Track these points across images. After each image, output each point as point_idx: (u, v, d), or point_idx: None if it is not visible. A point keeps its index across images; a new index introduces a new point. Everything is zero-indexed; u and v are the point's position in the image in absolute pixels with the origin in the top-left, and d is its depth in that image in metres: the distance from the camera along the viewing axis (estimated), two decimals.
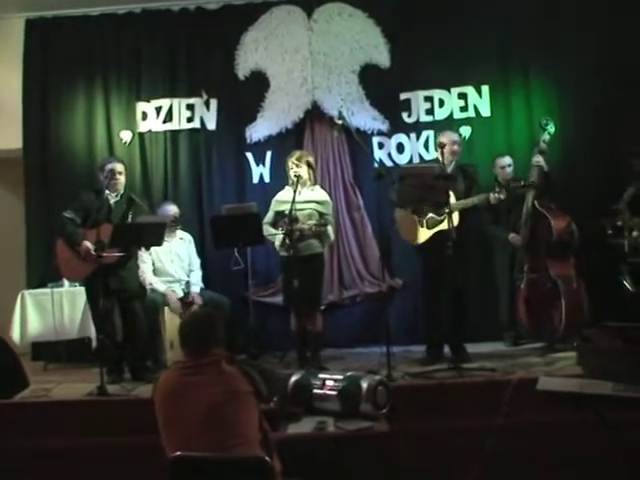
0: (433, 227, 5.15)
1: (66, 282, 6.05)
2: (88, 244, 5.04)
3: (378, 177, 4.89)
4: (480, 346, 5.64)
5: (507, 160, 5.88)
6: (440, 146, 5.13)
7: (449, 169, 5.24)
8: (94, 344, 5.69)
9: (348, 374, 3.88)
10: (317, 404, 3.82)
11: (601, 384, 3.27)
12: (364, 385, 3.71)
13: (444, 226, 4.98)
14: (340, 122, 5.32)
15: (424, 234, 5.20)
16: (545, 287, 5.30)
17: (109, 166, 5.30)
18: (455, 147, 5.32)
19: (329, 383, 3.82)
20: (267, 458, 2.75)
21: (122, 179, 5.35)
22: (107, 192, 5.30)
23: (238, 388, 2.93)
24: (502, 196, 4.94)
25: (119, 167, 5.34)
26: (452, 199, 4.91)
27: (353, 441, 3.57)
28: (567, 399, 3.33)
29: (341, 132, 5.50)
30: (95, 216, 5.17)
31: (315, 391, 3.84)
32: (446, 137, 5.36)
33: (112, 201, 5.31)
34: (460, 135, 5.77)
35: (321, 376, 3.90)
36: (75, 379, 5.35)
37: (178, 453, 2.76)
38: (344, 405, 3.73)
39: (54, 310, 5.90)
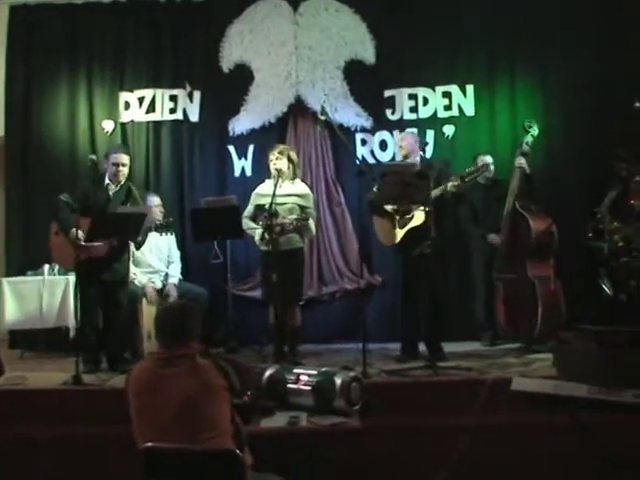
0: (404, 226, 5.16)
1: (46, 271, 6.01)
2: (78, 233, 4.90)
3: (359, 174, 4.91)
4: (457, 345, 5.65)
5: (488, 159, 5.89)
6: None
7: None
8: (72, 333, 5.65)
9: (322, 369, 3.89)
10: (291, 399, 3.82)
11: (576, 386, 3.26)
12: (338, 381, 3.71)
13: (416, 222, 5.00)
14: (323, 117, 5.30)
15: (399, 234, 5.22)
16: (523, 287, 5.32)
17: (113, 156, 5.22)
18: (400, 143, 5.33)
19: (303, 378, 3.82)
20: (238, 451, 2.75)
21: (125, 170, 5.25)
22: (108, 182, 5.24)
23: (211, 381, 2.92)
24: (456, 183, 4.88)
25: (124, 159, 5.25)
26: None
27: (325, 437, 3.56)
28: (541, 400, 3.32)
29: (323, 127, 5.49)
30: (92, 205, 5.08)
31: (289, 386, 3.84)
32: (405, 138, 5.40)
33: (111, 191, 5.23)
34: (419, 137, 5.73)
35: (295, 371, 3.90)
36: (52, 368, 5.30)
37: (150, 444, 2.75)
38: (318, 400, 3.73)
39: (33, 298, 5.85)
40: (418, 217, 4.98)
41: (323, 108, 5.37)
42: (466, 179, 4.87)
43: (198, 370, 2.94)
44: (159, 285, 5.78)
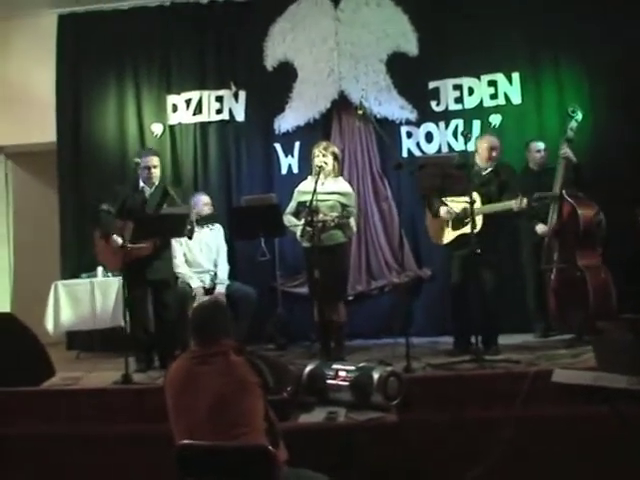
0: (457, 229, 5.15)
1: (99, 273, 6.24)
2: (118, 239, 5.13)
3: (397, 167, 4.89)
4: (510, 337, 5.60)
5: (540, 145, 5.82)
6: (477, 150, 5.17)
7: (485, 172, 5.21)
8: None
9: (360, 365, 3.90)
10: (330, 394, 3.86)
11: (615, 377, 3.21)
12: (375, 376, 3.73)
13: (467, 230, 4.98)
14: (361, 112, 5.31)
15: (449, 235, 5.23)
16: (574, 277, 5.22)
17: (143, 160, 5.38)
18: (494, 154, 5.24)
19: (342, 374, 3.85)
20: (270, 447, 2.81)
21: (157, 172, 5.43)
22: (142, 185, 5.41)
23: (245, 378, 2.98)
24: (524, 205, 4.87)
25: (154, 160, 5.42)
26: (478, 203, 4.89)
27: (363, 432, 3.59)
28: (581, 392, 3.28)
29: (361, 122, 5.49)
30: (129, 208, 5.24)
31: (328, 381, 3.87)
32: (485, 142, 5.29)
33: (147, 193, 5.40)
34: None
35: (334, 367, 3.93)
36: (106, 367, 5.47)
37: (184, 441, 2.84)
38: (356, 396, 3.75)
39: (86, 300, 6.06)
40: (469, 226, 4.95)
41: (361, 102, 5.39)
42: (532, 204, 4.90)
43: (231, 367, 3.00)
44: (208, 284, 5.88)
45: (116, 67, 6.79)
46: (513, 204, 4.89)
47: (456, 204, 5.14)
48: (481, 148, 5.26)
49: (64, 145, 6.79)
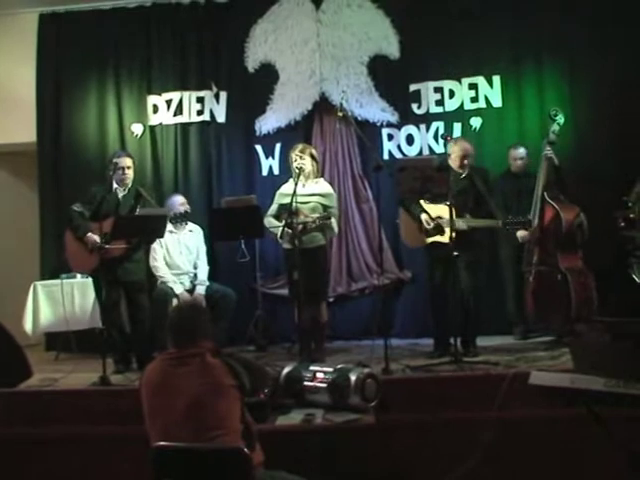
0: (431, 237, 5.18)
1: (78, 274, 6.17)
2: (94, 237, 5.11)
3: (377, 169, 4.88)
4: (490, 339, 5.63)
5: (521, 152, 5.84)
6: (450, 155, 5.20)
7: (461, 177, 5.21)
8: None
9: (338, 366, 3.89)
10: (308, 396, 3.85)
11: (593, 379, 3.19)
12: (353, 378, 3.72)
13: (443, 239, 5.03)
14: (341, 114, 5.30)
15: (422, 241, 5.24)
16: (554, 279, 5.24)
17: (117, 161, 5.35)
18: (466, 161, 5.22)
19: (319, 375, 3.84)
20: (246, 449, 2.78)
21: (130, 173, 5.41)
22: (115, 186, 5.38)
23: (221, 381, 2.96)
24: (499, 226, 4.96)
25: (127, 162, 5.40)
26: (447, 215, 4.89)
27: (340, 434, 3.57)
28: (558, 394, 3.28)
29: (342, 123, 5.48)
30: (104, 209, 5.23)
31: (306, 383, 3.86)
32: (458, 148, 5.27)
33: (120, 195, 5.39)
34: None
35: (312, 368, 3.92)
36: (84, 369, 5.39)
37: (160, 443, 2.81)
38: (333, 397, 3.74)
39: (65, 301, 5.99)
40: (446, 235, 4.95)
41: (342, 104, 5.37)
42: (507, 227, 4.95)
43: (208, 369, 2.97)
44: (188, 285, 5.85)
45: (97, 67, 6.72)
46: (491, 224, 4.95)
47: (433, 209, 5.14)
48: (454, 154, 5.26)
49: (44, 145, 6.73)
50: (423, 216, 5.19)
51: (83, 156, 6.68)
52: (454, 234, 4.76)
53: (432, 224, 5.14)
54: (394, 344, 5.43)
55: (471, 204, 5.12)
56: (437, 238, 5.14)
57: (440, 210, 5.09)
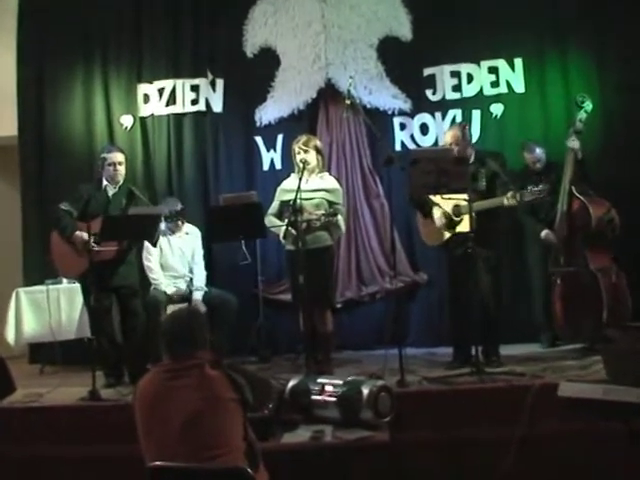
0: (449, 229, 5.17)
1: (64, 279, 6.19)
2: (83, 234, 5.10)
3: (388, 162, 4.88)
4: (515, 348, 5.64)
5: (538, 154, 5.81)
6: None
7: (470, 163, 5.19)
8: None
9: (349, 379, 3.90)
10: (316, 411, 3.85)
11: (627, 390, 3.21)
12: (365, 391, 3.72)
13: (462, 228, 5.00)
14: (349, 102, 5.30)
15: (441, 236, 5.24)
16: (584, 282, 5.25)
17: (107, 156, 5.37)
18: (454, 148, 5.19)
19: (328, 389, 3.85)
20: (249, 470, 2.79)
21: (122, 170, 5.43)
22: (105, 183, 5.40)
23: (222, 395, 2.96)
24: (514, 202, 4.85)
25: (119, 157, 5.42)
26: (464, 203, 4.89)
27: (352, 452, 3.58)
28: (590, 407, 3.28)
29: (350, 112, 5.48)
30: (92, 209, 5.25)
31: (314, 397, 3.87)
32: (447, 135, 5.29)
33: (110, 193, 5.40)
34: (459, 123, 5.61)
35: (320, 381, 3.93)
36: (72, 383, 5.42)
37: (156, 463, 2.82)
38: (344, 413, 3.75)
39: (51, 309, 6.01)
40: (466, 223, 4.94)
41: (350, 91, 5.36)
42: (525, 199, 4.85)
43: (207, 382, 2.97)
44: (184, 290, 5.87)
45: (82, 53, 6.74)
46: (504, 201, 4.88)
47: (446, 202, 5.15)
48: (445, 142, 5.27)
49: (26, 139, 6.75)
50: (436, 214, 5.19)
51: (68, 151, 6.69)
52: (469, 225, 4.78)
53: (445, 221, 5.14)
54: (409, 354, 5.43)
55: (484, 191, 5.08)
56: (459, 228, 5.12)
57: (455, 200, 5.09)
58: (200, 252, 6.00)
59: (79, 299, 5.98)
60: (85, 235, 5.06)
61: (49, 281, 6.21)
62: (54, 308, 6.07)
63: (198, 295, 5.80)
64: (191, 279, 5.92)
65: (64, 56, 6.74)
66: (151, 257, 5.85)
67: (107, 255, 5.13)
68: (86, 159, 6.60)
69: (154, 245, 5.48)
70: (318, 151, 5.33)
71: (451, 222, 5.16)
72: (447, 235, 5.22)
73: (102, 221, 4.93)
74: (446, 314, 5.79)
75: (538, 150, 5.82)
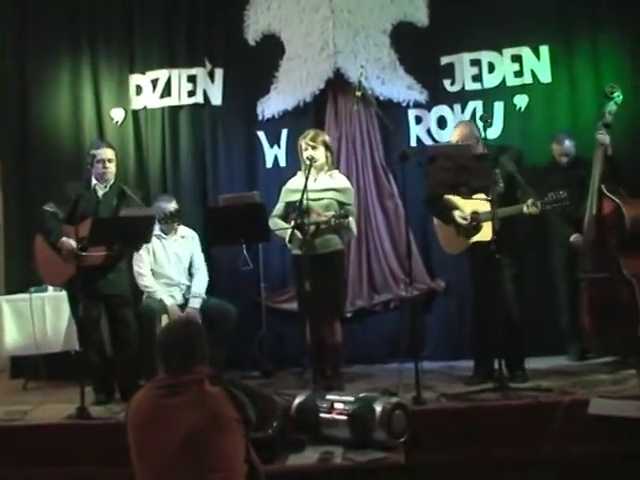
0: (470, 236, 5.17)
1: (50, 287, 6.20)
2: (70, 241, 5.14)
3: (403, 158, 4.88)
4: (540, 361, 5.66)
5: (567, 147, 5.83)
6: None
7: None
8: None
9: (360, 395, 3.91)
10: (324, 431, 3.86)
11: None
12: (378, 409, 3.73)
13: (483, 237, 5.02)
14: (360, 93, 5.31)
15: (464, 244, 5.25)
16: (616, 289, 5.23)
17: (96, 153, 5.39)
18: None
19: (338, 406, 3.85)
20: None
21: (112, 167, 5.46)
22: (95, 182, 5.42)
23: (222, 413, 2.97)
24: (536, 211, 4.90)
25: (109, 153, 5.45)
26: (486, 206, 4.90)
27: (364, 475, 3.58)
28: (624, 426, 3.29)
29: (361, 105, 5.50)
30: (81, 210, 5.27)
31: (322, 415, 3.87)
32: (455, 132, 5.34)
33: (100, 193, 5.43)
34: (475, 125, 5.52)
35: (329, 397, 3.94)
36: (58, 399, 5.45)
37: None
38: (354, 432, 3.76)
39: (35, 319, 6.02)
40: (487, 230, 4.95)
41: (360, 82, 5.38)
42: (547, 207, 4.90)
43: (206, 400, 2.98)
44: (180, 299, 5.87)
45: (69, 41, 6.76)
46: (524, 209, 4.92)
47: (466, 205, 5.16)
48: (451, 139, 5.32)
49: (7, 135, 6.79)
50: (456, 213, 5.20)
51: (54, 147, 6.71)
52: (489, 231, 4.78)
53: (469, 219, 5.15)
54: (426, 368, 5.45)
55: (502, 195, 5.06)
56: (479, 237, 5.14)
57: (473, 205, 5.11)
58: (201, 256, 6.01)
59: (66, 308, 6.00)
60: (73, 242, 5.08)
61: (33, 289, 6.21)
62: (38, 318, 6.07)
63: (195, 303, 5.81)
64: (188, 287, 5.92)
65: (48, 44, 6.75)
66: (142, 263, 5.84)
67: (96, 260, 5.15)
68: (73, 156, 6.62)
69: (137, 249, 5.52)
70: (327, 147, 5.34)
71: (470, 229, 5.17)
72: (466, 243, 5.23)
73: (92, 223, 4.94)
74: (466, 324, 5.79)
75: (567, 142, 5.84)
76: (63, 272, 5.26)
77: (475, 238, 5.18)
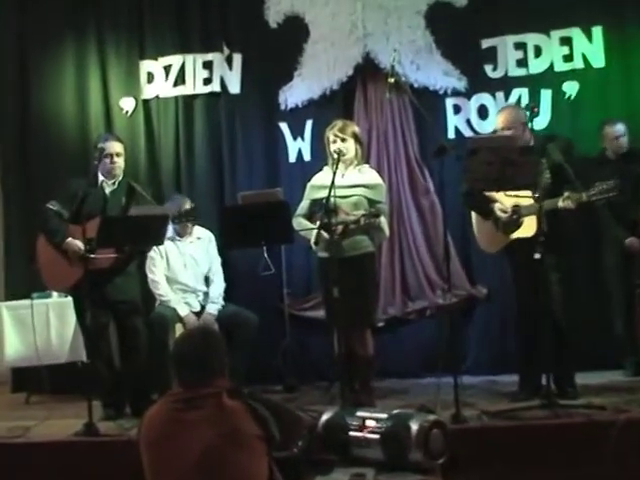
0: (510, 232, 5.16)
1: (55, 292, 6.26)
2: (76, 242, 5.19)
3: (440, 152, 4.88)
4: (593, 376, 5.63)
5: (619, 129, 5.83)
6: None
7: None
8: None
9: (394, 412, 3.90)
10: (355, 451, 3.86)
11: None
12: (414, 427, 3.72)
13: (525, 233, 5.00)
14: (392, 80, 5.32)
15: (504, 240, 5.23)
16: None
17: (103, 146, 5.43)
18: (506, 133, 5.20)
19: (370, 424, 3.85)
20: None
21: (120, 162, 5.51)
22: (102, 178, 5.47)
23: (242, 429, 2.99)
24: (570, 205, 4.86)
25: (117, 147, 5.50)
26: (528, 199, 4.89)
27: None
28: None
29: (393, 93, 5.49)
30: (87, 209, 5.31)
31: (352, 434, 3.87)
32: (498, 119, 5.31)
33: (108, 190, 5.48)
34: (524, 109, 5.51)
35: (359, 414, 3.93)
36: (64, 415, 5.52)
37: None
38: (388, 453, 3.75)
39: (38, 327, 6.02)
40: (529, 226, 4.95)
41: (393, 68, 5.38)
42: (592, 199, 4.85)
43: (225, 415, 3.01)
44: (196, 307, 5.92)
45: (74, 25, 6.83)
46: (559, 203, 4.88)
47: (506, 199, 5.15)
48: (495, 127, 5.29)
49: (8, 127, 6.88)
50: (496, 205, 5.18)
51: (58, 140, 6.80)
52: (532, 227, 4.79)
53: (510, 212, 5.13)
54: (466, 382, 5.46)
55: (548, 187, 5.05)
56: (520, 233, 5.11)
57: (514, 199, 5.10)
58: (218, 259, 6.06)
59: (71, 316, 6.04)
60: (79, 244, 5.14)
61: (35, 294, 6.24)
62: (41, 326, 6.11)
63: (212, 309, 5.86)
64: (205, 293, 5.96)
65: (52, 28, 6.83)
66: (156, 269, 5.90)
67: (104, 263, 5.19)
68: (79, 150, 6.72)
69: (147, 251, 5.60)
70: (357, 139, 5.35)
71: (513, 223, 5.15)
72: (506, 241, 5.21)
73: (100, 223, 4.97)
74: (510, 335, 5.77)
75: (620, 126, 5.84)
76: (68, 276, 5.31)
77: (515, 234, 5.15)
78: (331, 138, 5.31)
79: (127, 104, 6.79)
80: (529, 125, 5.15)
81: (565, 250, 5.20)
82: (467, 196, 5.37)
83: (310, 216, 5.35)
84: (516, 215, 5.10)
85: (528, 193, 4.91)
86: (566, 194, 4.85)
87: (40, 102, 6.84)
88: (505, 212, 5.15)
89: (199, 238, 6.04)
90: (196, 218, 5.81)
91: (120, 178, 5.52)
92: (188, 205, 5.87)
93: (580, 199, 4.82)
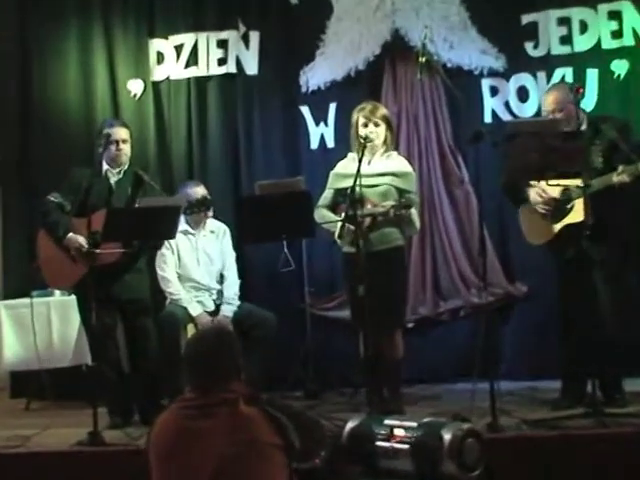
0: (559, 219, 5.12)
1: (57, 290, 6.28)
2: (77, 238, 5.21)
3: (476, 138, 4.86)
4: None
5: None
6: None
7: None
8: None
9: (425, 420, 3.88)
10: (382, 462, 3.84)
11: None
12: (447, 436, 3.69)
13: (575, 218, 4.95)
14: (424, 59, 5.30)
15: (554, 229, 5.18)
16: None
17: (108, 132, 5.46)
18: (558, 115, 5.12)
19: (399, 433, 3.82)
20: None
21: (126, 149, 5.52)
22: (106, 167, 5.49)
23: (261, 438, 2.98)
24: (626, 178, 4.80)
25: (122, 133, 5.51)
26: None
27: None
28: None
29: (424, 74, 5.47)
30: (92, 200, 5.33)
31: (379, 444, 3.86)
32: (545, 100, 5.25)
33: (113, 180, 5.50)
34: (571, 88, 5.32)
35: (387, 423, 3.91)
36: (67, 422, 5.55)
37: None
38: (419, 464, 3.73)
39: (38, 328, 6.05)
40: (579, 211, 4.90)
41: (424, 46, 5.37)
42: None
43: (242, 423, 3.00)
44: (210, 307, 5.93)
45: (78, 4, 6.86)
46: (613, 177, 4.84)
47: (551, 187, 5.11)
48: (545, 109, 5.24)
49: (7, 112, 6.91)
50: (531, 192, 5.14)
51: (60, 126, 6.83)
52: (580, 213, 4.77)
53: (545, 197, 5.10)
54: (503, 388, 5.37)
55: (599, 167, 5.01)
56: (570, 219, 5.07)
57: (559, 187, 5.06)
58: (232, 254, 6.07)
59: (75, 316, 6.06)
60: (80, 239, 5.17)
61: (35, 293, 6.27)
62: (42, 327, 6.15)
63: (227, 311, 5.86)
64: (219, 291, 5.97)
65: (55, 8, 6.86)
66: (166, 266, 5.91)
67: (110, 258, 5.19)
68: (83, 137, 6.75)
69: (158, 247, 5.63)
70: (388, 124, 5.34)
71: (558, 210, 5.11)
72: (556, 228, 5.16)
73: (106, 216, 4.98)
74: (552, 337, 5.74)
75: None
76: (71, 273, 5.33)
77: (563, 222, 5.11)
78: (361, 121, 5.29)
79: (135, 87, 6.83)
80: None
81: (616, 241, 5.14)
82: (507, 187, 5.33)
83: (334, 207, 5.36)
84: (566, 197, 5.06)
85: (575, 182, 4.86)
86: (620, 168, 4.81)
87: (42, 85, 6.88)
88: (541, 196, 5.11)
89: (212, 232, 6.05)
90: (210, 208, 5.79)
91: (126, 167, 5.53)
92: (202, 192, 5.86)
93: (636, 171, 4.78)
